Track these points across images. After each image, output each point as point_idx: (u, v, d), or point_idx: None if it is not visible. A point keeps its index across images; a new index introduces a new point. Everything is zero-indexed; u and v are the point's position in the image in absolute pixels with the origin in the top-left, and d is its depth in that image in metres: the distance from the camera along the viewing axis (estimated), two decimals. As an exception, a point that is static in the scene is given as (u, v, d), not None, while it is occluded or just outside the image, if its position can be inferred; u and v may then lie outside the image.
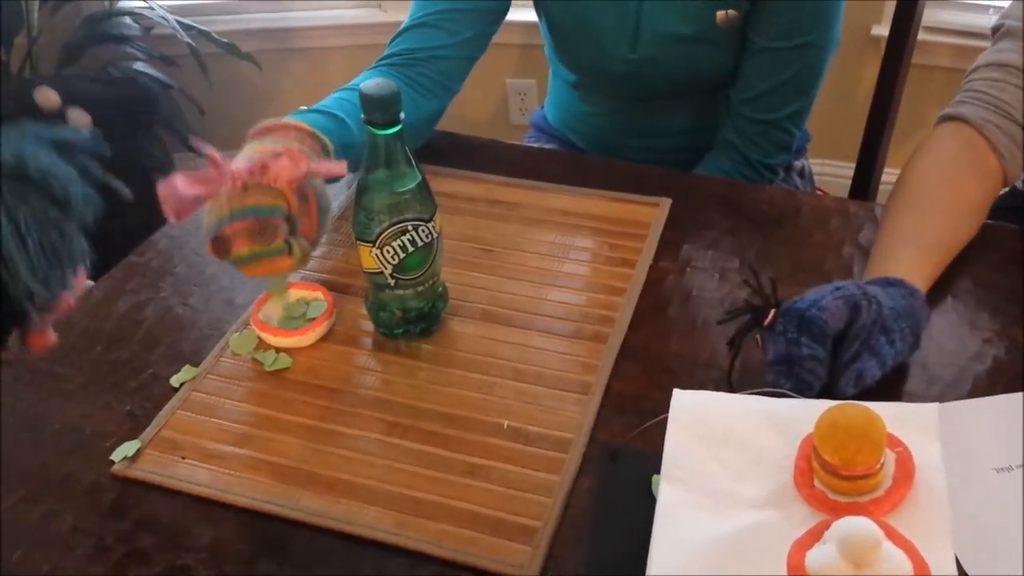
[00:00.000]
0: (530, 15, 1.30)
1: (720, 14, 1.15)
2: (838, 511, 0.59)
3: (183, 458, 0.80)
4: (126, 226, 2.42)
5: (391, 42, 1.17)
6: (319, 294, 0.94)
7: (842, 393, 0.78)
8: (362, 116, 0.80)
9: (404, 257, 0.85)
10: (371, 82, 0.79)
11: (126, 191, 0.63)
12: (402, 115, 0.80)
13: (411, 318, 0.90)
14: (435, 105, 1.16)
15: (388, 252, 0.84)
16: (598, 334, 0.90)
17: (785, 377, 0.78)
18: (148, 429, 0.82)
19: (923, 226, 0.92)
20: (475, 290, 0.96)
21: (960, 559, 0.63)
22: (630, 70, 1.23)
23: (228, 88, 2.43)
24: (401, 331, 0.91)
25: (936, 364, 0.86)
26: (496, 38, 1.24)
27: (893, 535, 0.57)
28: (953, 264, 0.94)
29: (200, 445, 0.81)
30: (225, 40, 2.21)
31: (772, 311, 0.79)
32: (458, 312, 0.94)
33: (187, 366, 0.89)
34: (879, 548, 0.55)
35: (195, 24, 2.21)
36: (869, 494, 0.62)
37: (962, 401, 0.79)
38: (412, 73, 1.13)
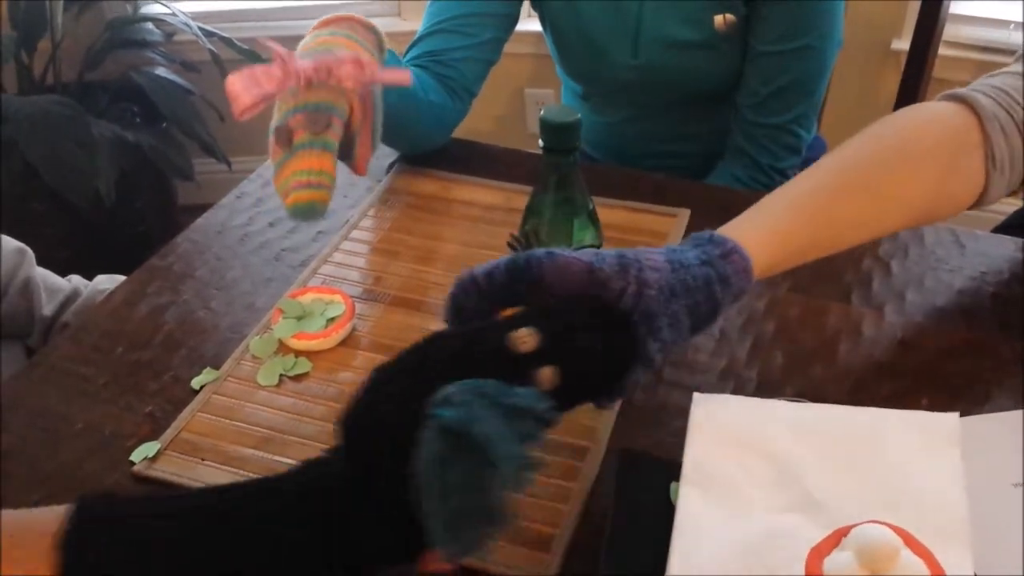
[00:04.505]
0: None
1: (718, 18, 1.16)
2: None
3: (203, 460, 0.80)
4: (148, 229, 2.44)
5: (408, 50, 1.19)
6: (337, 296, 0.94)
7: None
8: (540, 143, 0.78)
9: None
10: (552, 107, 0.77)
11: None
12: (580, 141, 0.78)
13: None
14: (459, 107, 1.18)
15: None
16: (616, 343, 0.90)
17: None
18: (168, 431, 0.83)
19: (826, 201, 0.75)
20: (494, 297, 0.96)
21: (978, 573, 0.63)
22: (634, 77, 1.24)
23: (248, 94, 2.45)
24: None
25: (954, 379, 0.86)
26: (514, 48, 1.26)
27: (911, 542, 0.57)
28: (972, 280, 0.94)
29: (220, 447, 0.82)
30: (246, 47, 2.22)
31: None
32: (476, 319, 0.94)
33: (208, 368, 0.89)
34: (897, 555, 0.55)
35: (216, 31, 2.23)
36: None
37: (980, 416, 0.79)
38: (440, 72, 1.15)
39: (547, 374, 0.58)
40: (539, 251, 0.64)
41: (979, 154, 0.81)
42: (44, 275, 1.16)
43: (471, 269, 0.65)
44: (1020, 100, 0.83)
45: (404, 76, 0.87)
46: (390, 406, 0.57)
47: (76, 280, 1.20)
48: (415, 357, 0.60)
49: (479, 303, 0.65)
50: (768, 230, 0.72)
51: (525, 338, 0.58)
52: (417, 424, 0.54)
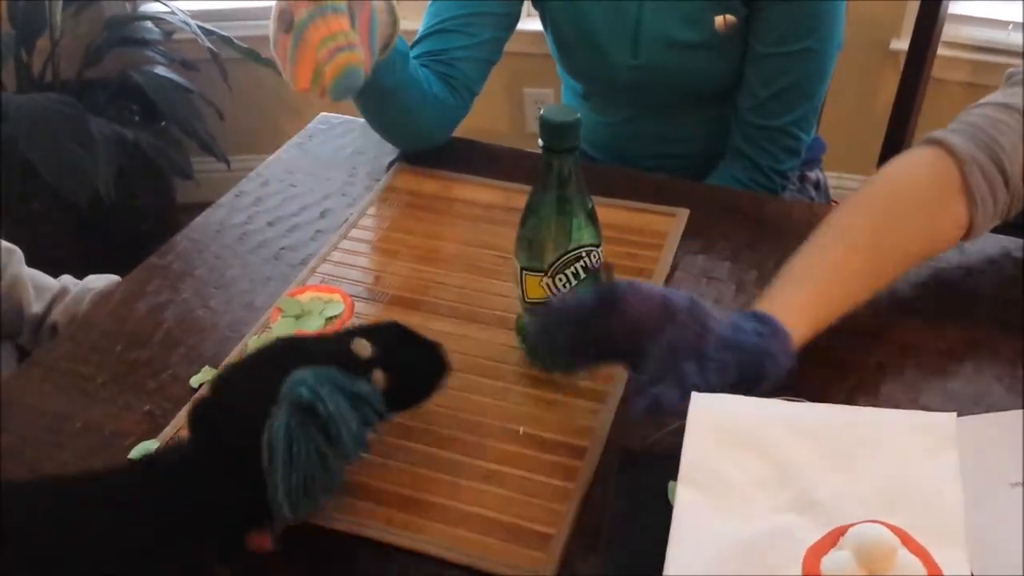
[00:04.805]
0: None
1: (719, 19, 1.16)
2: None
3: (201, 459, 0.81)
4: (147, 227, 2.43)
5: (409, 50, 1.18)
6: (336, 295, 0.94)
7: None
8: (540, 142, 0.78)
9: (576, 285, 0.82)
10: (552, 107, 0.77)
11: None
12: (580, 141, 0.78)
13: None
14: (461, 104, 1.18)
15: (560, 280, 0.81)
16: (615, 342, 0.90)
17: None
18: (167, 429, 0.83)
19: (840, 268, 0.83)
20: (493, 297, 0.97)
21: (974, 573, 0.63)
22: (634, 77, 1.24)
23: (247, 93, 2.45)
24: (562, 362, 0.86)
25: (953, 379, 0.86)
26: (514, 47, 1.26)
27: (908, 541, 0.57)
28: (972, 281, 0.94)
29: (218, 446, 0.82)
30: (245, 46, 2.22)
31: None
32: (475, 318, 0.94)
33: (207, 367, 0.89)
34: (895, 554, 0.55)
35: (216, 29, 2.23)
36: None
37: (978, 415, 0.79)
38: (442, 71, 1.16)
39: (379, 375, 0.70)
40: (622, 282, 0.74)
41: (961, 197, 0.85)
42: (33, 274, 1.16)
43: (559, 298, 0.75)
44: (990, 132, 0.86)
45: None
46: (239, 392, 0.68)
47: (66, 279, 1.20)
48: (263, 355, 0.71)
49: (565, 323, 0.75)
50: (803, 303, 0.80)
51: (365, 345, 0.70)
52: (264, 408, 0.64)
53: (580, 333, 0.74)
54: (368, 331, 0.73)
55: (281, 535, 0.69)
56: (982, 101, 0.91)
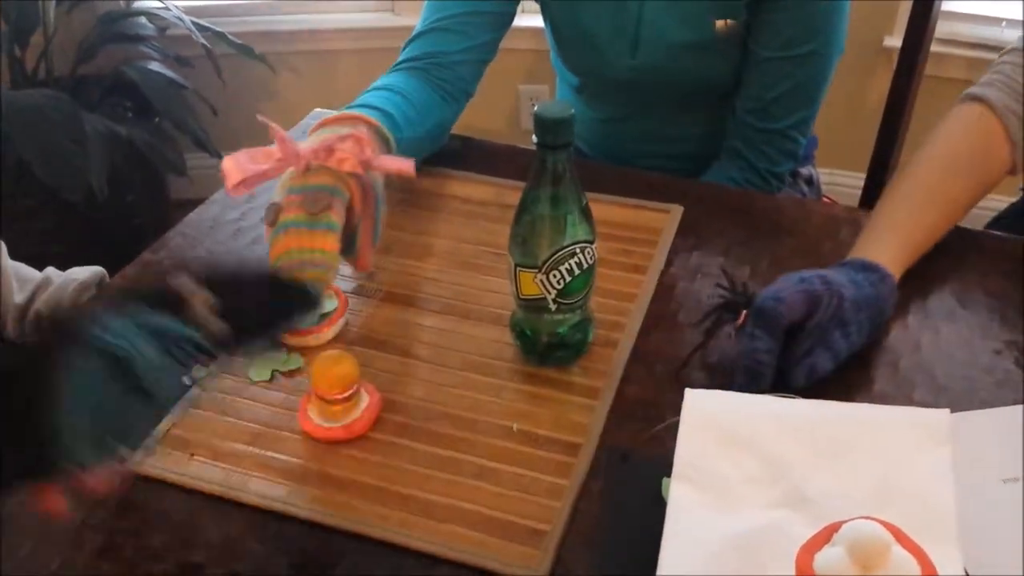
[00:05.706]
0: (541, 21, 1.31)
1: (720, 23, 1.15)
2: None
3: (193, 456, 0.80)
4: (141, 223, 2.42)
5: (406, 46, 1.18)
6: (330, 292, 0.94)
7: (794, 385, 0.80)
8: (534, 138, 0.78)
9: (570, 281, 0.82)
10: (546, 103, 0.77)
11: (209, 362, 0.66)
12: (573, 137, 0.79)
13: (568, 342, 0.88)
14: (456, 109, 1.17)
15: (554, 277, 0.81)
16: (608, 339, 0.90)
17: (739, 370, 0.81)
18: (159, 426, 0.83)
19: (917, 217, 0.94)
20: (487, 293, 0.97)
21: (967, 568, 0.63)
22: (633, 76, 1.23)
23: (241, 89, 2.44)
24: (556, 356, 0.88)
25: (945, 375, 0.86)
26: (508, 44, 1.25)
27: (902, 538, 0.57)
28: (963, 275, 0.95)
29: (211, 443, 0.81)
30: (239, 42, 2.22)
31: (744, 312, 0.82)
32: (469, 314, 0.94)
33: (199, 364, 0.89)
34: (888, 551, 0.55)
35: (210, 25, 2.22)
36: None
37: (971, 411, 0.80)
38: (436, 76, 1.14)
39: (200, 303, 0.64)
40: (768, 299, 0.80)
41: (1005, 144, 0.97)
42: (15, 266, 1.16)
43: (750, 354, 0.80)
44: (1021, 80, 0.97)
45: (407, 166, 0.86)
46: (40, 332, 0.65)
47: (49, 270, 1.19)
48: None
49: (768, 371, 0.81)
50: (893, 251, 0.90)
51: (186, 283, 0.65)
52: (61, 347, 0.60)
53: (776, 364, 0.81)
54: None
55: (80, 498, 0.65)
56: (1012, 46, 1.02)
